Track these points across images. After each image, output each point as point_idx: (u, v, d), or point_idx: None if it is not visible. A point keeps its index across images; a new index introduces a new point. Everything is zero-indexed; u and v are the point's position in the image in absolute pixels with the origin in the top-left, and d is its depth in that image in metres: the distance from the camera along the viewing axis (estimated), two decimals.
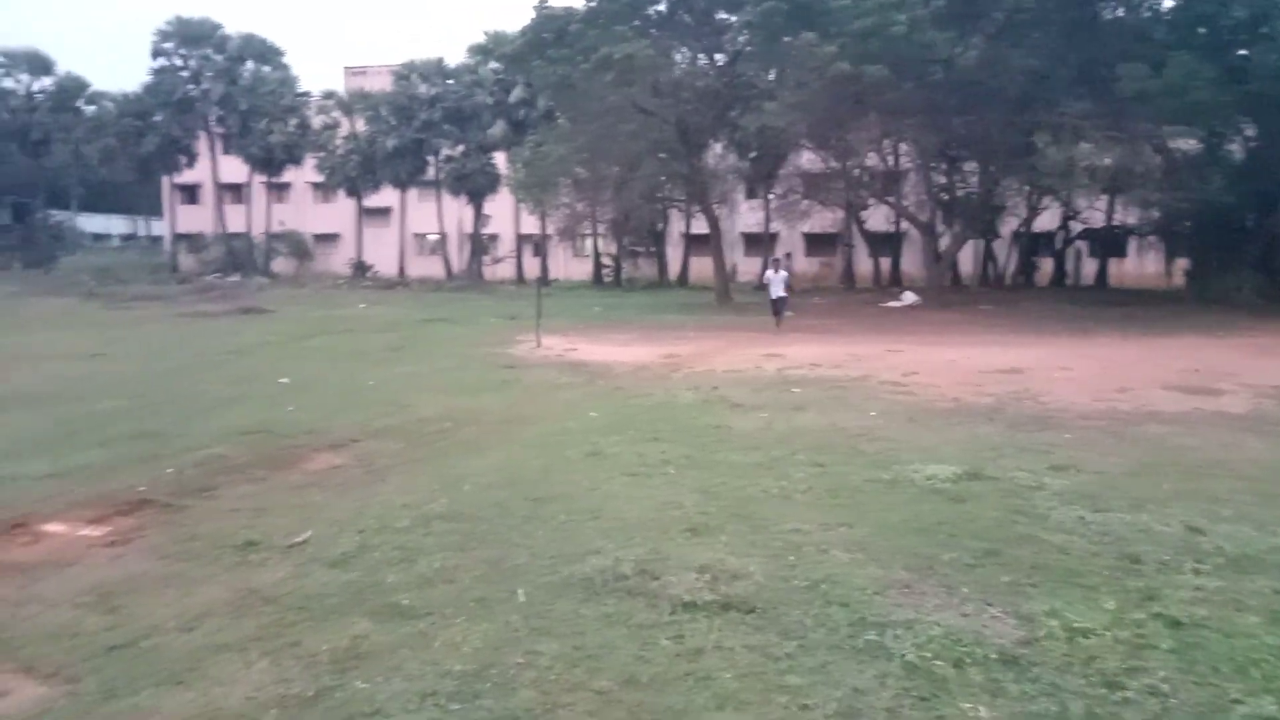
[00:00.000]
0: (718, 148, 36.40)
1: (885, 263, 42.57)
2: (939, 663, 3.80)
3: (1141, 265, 40.47)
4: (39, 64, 55.16)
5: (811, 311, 27.58)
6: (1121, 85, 22.79)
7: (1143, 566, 4.99)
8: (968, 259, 40.39)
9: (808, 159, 36.81)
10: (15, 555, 5.31)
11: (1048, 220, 39.45)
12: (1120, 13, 26.94)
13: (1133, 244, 39.72)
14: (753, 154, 36.18)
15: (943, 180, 34.28)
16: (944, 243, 34.36)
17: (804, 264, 45.62)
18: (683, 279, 45.09)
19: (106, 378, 12.81)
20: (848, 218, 41.23)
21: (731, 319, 24.81)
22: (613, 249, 46.54)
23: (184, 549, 5.39)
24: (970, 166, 33.60)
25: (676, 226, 46.17)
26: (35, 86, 55.18)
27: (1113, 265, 40.05)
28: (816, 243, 45.69)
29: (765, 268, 24.52)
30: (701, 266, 42.68)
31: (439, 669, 3.79)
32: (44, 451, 7.91)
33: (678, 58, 33.14)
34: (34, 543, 5.55)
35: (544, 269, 45.00)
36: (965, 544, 5.32)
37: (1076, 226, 39.35)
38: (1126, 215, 36.66)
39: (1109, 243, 39.35)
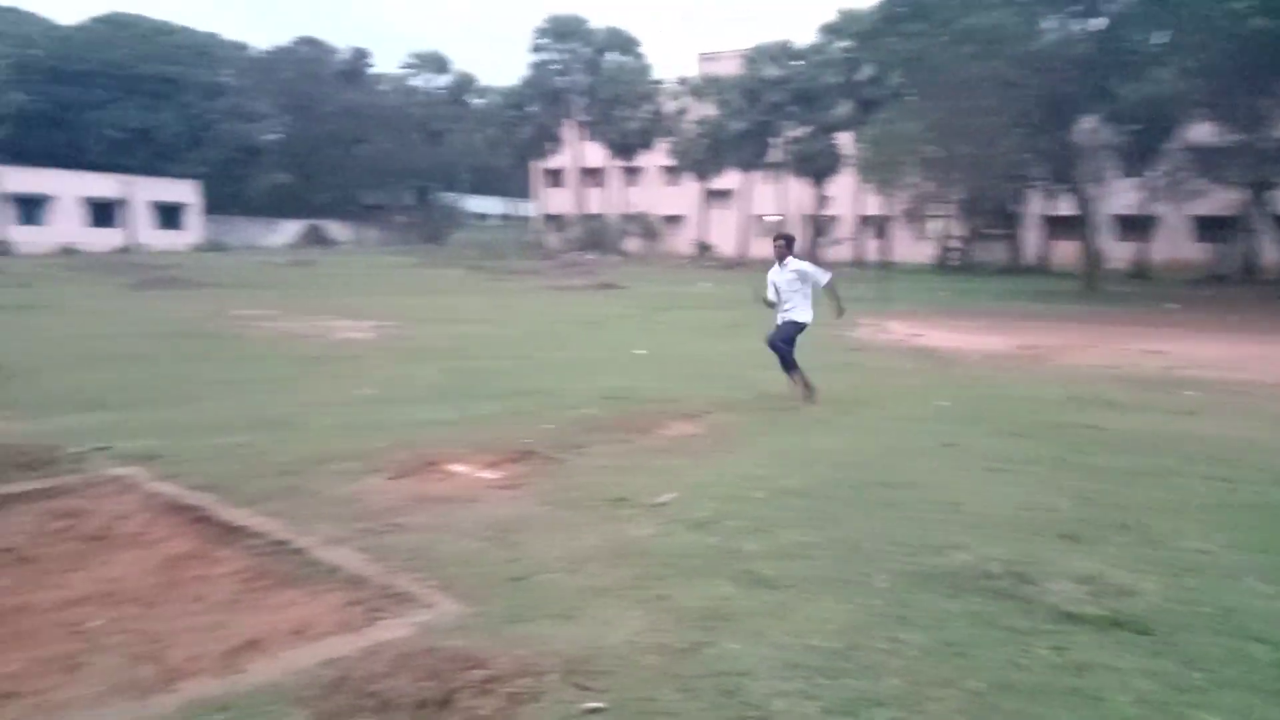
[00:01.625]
0: (1090, 121, 33.04)
1: None
2: None
3: None
4: (438, 64, 63.47)
5: (1202, 305, 24.25)
6: None
7: None
8: None
9: (1201, 131, 32.24)
10: (430, 489, 6.13)
11: None
12: None
13: None
14: (1133, 127, 32.37)
15: None
16: None
17: (1192, 251, 40.23)
18: (1040, 264, 41.64)
19: (493, 340, 14.47)
20: (1252, 199, 35.59)
21: (1100, 309, 22.52)
22: (959, 231, 44.10)
23: (564, 498, 5.92)
24: None
25: (1035, 208, 42.70)
26: (435, 84, 63.57)
27: None
28: (1208, 227, 39.96)
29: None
30: (1063, 251, 39.14)
31: (803, 642, 3.82)
32: (449, 400, 9.09)
33: (1047, 25, 30.45)
34: (444, 480, 6.39)
35: (885, 251, 43.76)
36: None
37: None
38: None
39: None
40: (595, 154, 57.28)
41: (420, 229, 61.17)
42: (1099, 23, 29.51)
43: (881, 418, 8.76)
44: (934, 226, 44.55)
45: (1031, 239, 43.69)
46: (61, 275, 28.59)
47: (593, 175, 60.10)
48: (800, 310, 9.32)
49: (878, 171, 36.61)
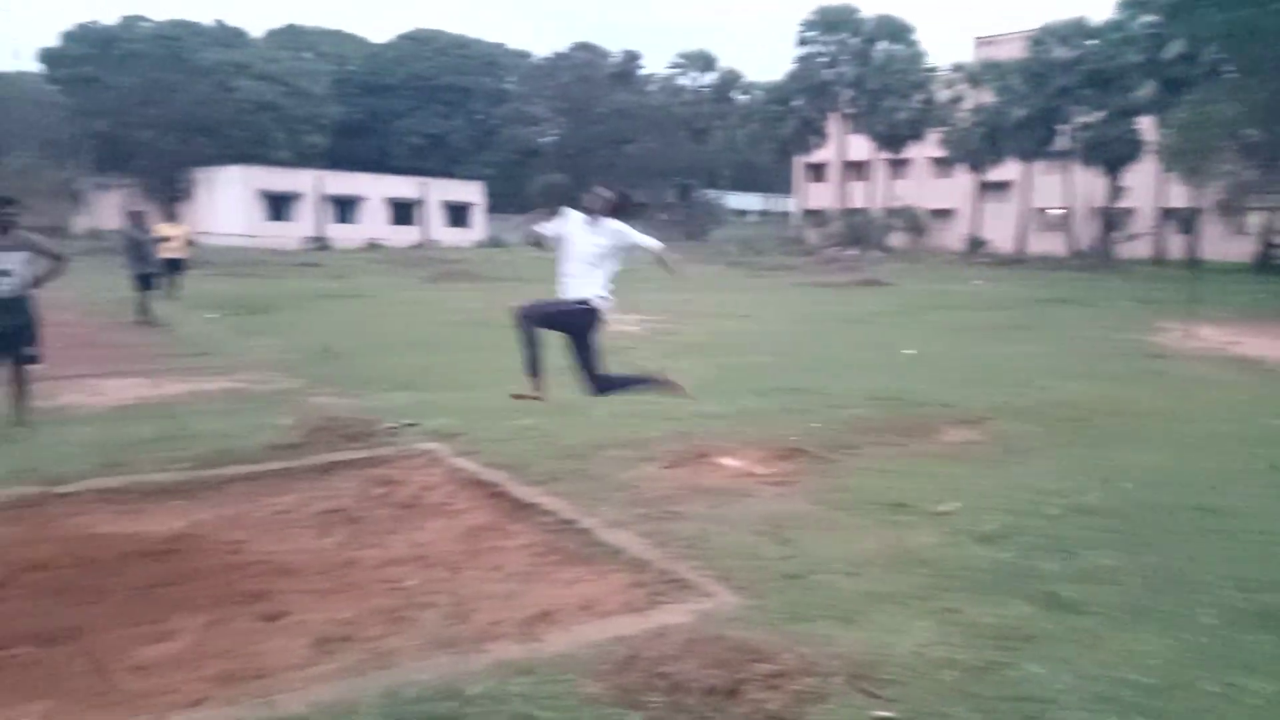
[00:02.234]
0: None
1: None
2: None
3: None
4: (704, 62, 64.58)
5: None
6: None
7: None
8: None
9: None
10: (703, 481, 6.22)
11: None
12: None
13: None
14: None
15: None
16: None
17: None
18: None
19: (754, 335, 14.48)
20: None
21: None
22: None
23: (836, 498, 5.78)
24: None
25: None
26: (701, 82, 64.76)
27: None
28: None
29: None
30: None
31: (1116, 674, 3.48)
32: (716, 394, 9.17)
33: None
34: (715, 472, 6.46)
35: (1192, 249, 39.14)
36: None
37: None
38: None
39: None
40: (860, 147, 55.79)
41: (682, 226, 62.51)
42: None
43: (1194, 433, 7.82)
44: (1254, 221, 39.19)
45: None
46: (369, 268, 32.06)
47: (856, 169, 58.60)
48: (598, 288, 5.79)
49: (1186, 159, 32.77)
